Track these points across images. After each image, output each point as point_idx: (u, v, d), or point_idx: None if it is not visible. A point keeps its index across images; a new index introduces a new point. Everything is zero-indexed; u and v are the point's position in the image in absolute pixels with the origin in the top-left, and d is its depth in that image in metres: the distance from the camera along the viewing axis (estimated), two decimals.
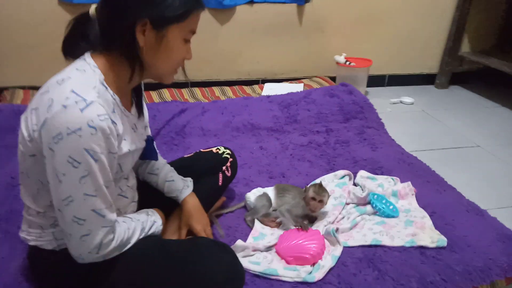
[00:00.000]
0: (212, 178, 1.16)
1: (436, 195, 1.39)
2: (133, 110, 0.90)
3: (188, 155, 1.25)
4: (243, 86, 2.36)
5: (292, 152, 1.72)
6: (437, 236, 1.14)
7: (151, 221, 0.92)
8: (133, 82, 0.83)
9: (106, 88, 0.77)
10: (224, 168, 1.19)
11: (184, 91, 2.22)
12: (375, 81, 2.68)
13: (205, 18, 2.28)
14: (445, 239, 1.13)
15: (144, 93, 0.96)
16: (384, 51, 2.62)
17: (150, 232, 0.91)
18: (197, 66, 2.40)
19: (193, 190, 1.07)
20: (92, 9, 0.79)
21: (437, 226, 1.20)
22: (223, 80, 2.48)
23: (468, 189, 1.48)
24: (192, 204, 1.05)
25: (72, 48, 0.81)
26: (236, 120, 1.87)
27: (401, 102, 2.46)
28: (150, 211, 0.96)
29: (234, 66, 2.48)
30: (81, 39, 0.81)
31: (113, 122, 0.75)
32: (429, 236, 1.14)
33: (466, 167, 1.76)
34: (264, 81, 2.51)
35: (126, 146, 0.82)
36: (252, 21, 2.36)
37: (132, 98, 0.90)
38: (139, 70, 0.80)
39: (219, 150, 1.24)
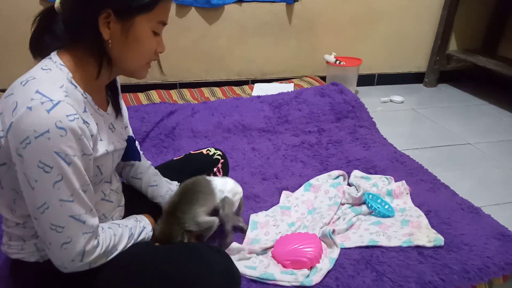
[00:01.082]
0: None
1: (430, 194, 1.38)
2: (109, 109, 0.85)
3: (178, 158, 1.21)
4: (233, 87, 2.33)
5: (284, 152, 1.69)
6: (433, 235, 1.13)
7: (140, 227, 0.88)
8: (103, 78, 0.78)
9: (76, 86, 0.72)
10: (215, 169, 1.16)
11: (173, 92, 2.18)
12: (365, 80, 2.68)
13: (193, 17, 2.26)
14: (442, 238, 1.12)
15: (120, 92, 0.91)
16: (374, 50, 2.62)
17: (139, 239, 0.87)
18: (185, 66, 2.36)
19: None
20: (57, 1, 0.74)
21: (433, 225, 1.19)
22: (212, 81, 2.44)
23: (461, 187, 1.48)
24: None
25: (40, 46, 0.76)
26: (227, 121, 1.84)
27: (391, 101, 2.46)
28: (139, 216, 0.93)
29: (223, 66, 2.45)
30: (47, 35, 0.76)
31: (84, 122, 0.70)
32: (425, 235, 1.13)
33: (458, 165, 1.76)
34: (254, 81, 2.49)
35: (103, 147, 0.78)
36: (241, 20, 2.33)
37: (107, 97, 0.86)
38: (107, 66, 0.75)
39: (210, 151, 1.21)
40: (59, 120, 0.65)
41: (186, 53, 2.33)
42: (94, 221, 0.74)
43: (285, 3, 2.35)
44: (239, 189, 1.10)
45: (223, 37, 2.35)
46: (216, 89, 2.27)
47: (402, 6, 2.52)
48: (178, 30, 2.24)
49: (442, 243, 1.11)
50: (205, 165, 1.16)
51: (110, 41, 0.73)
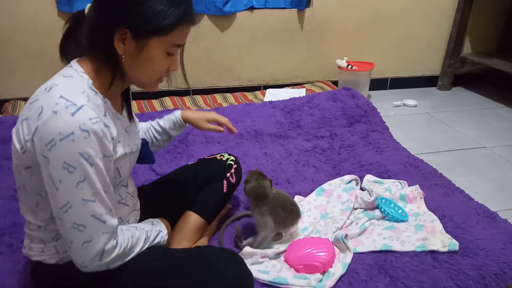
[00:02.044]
0: (217, 186, 1.15)
1: (444, 198, 1.37)
2: (124, 113, 0.89)
3: (192, 163, 1.23)
4: (245, 93, 2.35)
5: (296, 157, 1.70)
6: (448, 240, 1.12)
7: (156, 230, 0.90)
8: (117, 87, 0.81)
9: (96, 92, 0.76)
10: (228, 175, 1.17)
11: (186, 99, 2.21)
12: (378, 84, 2.67)
13: (206, 25, 2.29)
14: (457, 243, 1.11)
15: (131, 98, 0.95)
16: (386, 54, 2.61)
17: (155, 242, 0.89)
18: (198, 74, 2.40)
19: (198, 199, 1.06)
20: (87, 7, 0.78)
21: (447, 230, 1.18)
22: (224, 87, 2.47)
23: (476, 191, 1.46)
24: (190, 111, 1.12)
25: (65, 49, 0.81)
26: (239, 127, 1.86)
27: (404, 105, 2.44)
28: (155, 220, 0.95)
29: (235, 72, 2.47)
30: (72, 40, 0.80)
31: (105, 125, 0.74)
32: (440, 240, 1.12)
33: (473, 169, 1.74)
34: (266, 87, 2.50)
35: (121, 149, 0.81)
36: (253, 27, 2.36)
37: (122, 102, 0.89)
38: (120, 77, 0.79)
39: (223, 156, 1.22)
40: (82, 123, 0.69)
41: (199, 60, 2.36)
42: (114, 221, 0.77)
43: (296, 9, 2.37)
44: None
45: (234, 45, 2.38)
46: (229, 95, 2.30)
47: (410, 9, 2.50)
48: (190, 38, 2.25)
49: (457, 248, 1.10)
50: (218, 170, 1.18)
51: (123, 56, 0.76)
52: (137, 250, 0.83)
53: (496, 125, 2.17)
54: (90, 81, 0.76)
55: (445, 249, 1.09)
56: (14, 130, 0.76)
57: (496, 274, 1.02)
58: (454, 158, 1.83)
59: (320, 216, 1.28)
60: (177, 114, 1.10)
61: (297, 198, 1.38)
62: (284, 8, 2.36)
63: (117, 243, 0.77)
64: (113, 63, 0.76)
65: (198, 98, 2.23)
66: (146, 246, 0.85)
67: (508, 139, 2.00)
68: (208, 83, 2.45)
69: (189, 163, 1.23)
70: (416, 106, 2.42)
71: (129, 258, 0.81)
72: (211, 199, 1.13)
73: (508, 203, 1.48)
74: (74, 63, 0.78)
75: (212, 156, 1.23)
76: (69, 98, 0.70)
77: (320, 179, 1.50)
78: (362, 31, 2.51)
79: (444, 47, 2.64)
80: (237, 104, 2.14)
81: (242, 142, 1.80)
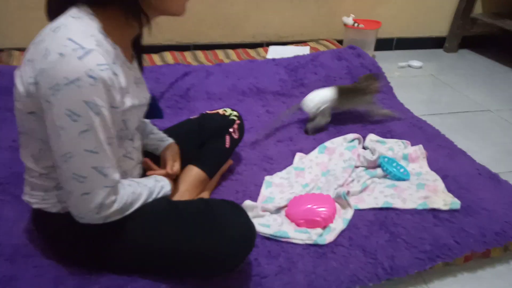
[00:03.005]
0: (219, 140, 1.13)
1: (447, 159, 1.36)
2: (135, 63, 0.84)
3: (194, 117, 1.20)
4: (247, 49, 2.27)
5: (299, 116, 1.67)
6: (450, 199, 1.12)
7: (159, 186, 0.89)
8: (132, 31, 0.77)
9: (106, 36, 0.71)
10: (231, 130, 1.15)
11: (187, 54, 2.14)
12: (383, 44, 2.59)
13: None
14: (459, 202, 1.11)
15: (142, 49, 0.89)
16: (395, 13, 2.51)
17: (158, 197, 0.88)
18: (201, 29, 2.30)
19: (200, 153, 1.04)
20: None
21: (449, 190, 1.18)
22: (226, 43, 2.38)
23: (480, 154, 1.45)
24: (174, 146, 1.03)
25: (58, 9, 0.72)
26: (242, 84, 1.81)
27: (409, 66, 2.38)
28: (159, 177, 0.93)
29: (240, 29, 2.38)
30: None
31: (114, 73, 0.70)
32: (442, 199, 1.12)
33: (478, 132, 1.72)
34: (269, 44, 2.42)
35: (130, 100, 0.77)
36: None
37: (132, 51, 0.84)
38: (135, 19, 0.73)
39: (226, 112, 1.19)
40: (90, 68, 0.64)
41: (202, 17, 2.26)
42: (116, 175, 0.74)
43: None
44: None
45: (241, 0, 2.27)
46: (231, 51, 2.22)
47: None
48: None
49: (459, 207, 1.10)
50: (221, 125, 1.16)
51: None
52: (136, 205, 0.81)
53: (503, 88, 2.12)
54: (101, 25, 0.71)
55: (446, 208, 1.10)
56: (17, 72, 0.72)
57: (496, 232, 1.03)
58: (459, 121, 1.80)
59: (321, 173, 1.27)
60: (164, 144, 1.02)
61: (298, 156, 1.37)
62: None
63: (117, 198, 0.75)
64: (135, 9, 0.71)
65: (199, 53, 2.16)
66: (148, 201, 0.84)
67: None
68: (211, 38, 2.36)
69: (191, 117, 1.20)
70: (421, 67, 2.36)
71: (128, 213, 0.79)
72: (213, 153, 1.11)
73: (509, 165, 1.47)
74: (82, 4, 0.71)
75: (215, 111, 1.20)
76: (77, 40, 0.65)
77: (322, 137, 1.48)
78: None
79: (454, 7, 2.53)
80: (239, 60, 2.08)
81: (244, 99, 1.76)
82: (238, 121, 1.19)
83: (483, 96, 2.03)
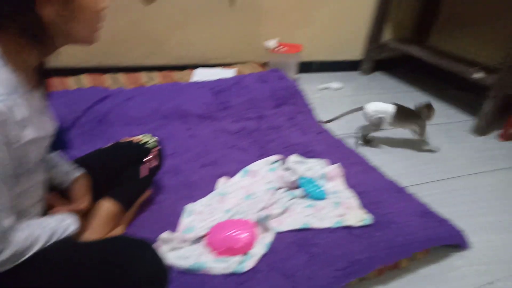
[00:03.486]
0: (134, 171, 1.07)
1: (362, 176, 1.45)
2: (39, 92, 0.78)
3: (106, 147, 1.13)
4: (173, 72, 2.24)
5: (224, 139, 1.67)
6: (363, 215, 1.19)
7: (63, 226, 0.80)
8: (34, 57, 0.71)
9: (3, 62, 0.65)
10: (147, 159, 1.11)
11: (106, 77, 2.05)
12: (305, 67, 2.72)
13: None
14: (371, 218, 1.18)
15: (48, 74, 0.83)
16: (314, 37, 2.66)
17: (62, 238, 0.80)
18: (120, 50, 2.23)
19: (112, 185, 0.98)
20: None
21: (363, 205, 1.25)
22: (150, 65, 2.33)
23: (392, 168, 1.57)
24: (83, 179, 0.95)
25: None
26: (165, 107, 1.77)
27: (329, 87, 2.53)
28: (64, 214, 0.85)
29: (163, 50, 2.34)
30: None
31: (12, 104, 0.63)
32: (355, 215, 1.18)
33: (388, 147, 1.86)
34: (196, 66, 2.41)
35: (31, 133, 0.70)
36: (182, 2, 2.24)
37: (36, 79, 0.77)
38: (40, 46, 0.68)
39: (142, 140, 1.15)
40: None
41: (124, 36, 2.19)
42: (7, 221, 0.66)
43: None
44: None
45: (162, 19, 2.24)
46: (155, 74, 2.17)
47: None
48: (113, 9, 2.10)
49: (371, 223, 1.17)
50: (135, 154, 1.10)
51: (52, 17, 0.66)
52: (33, 250, 0.72)
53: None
54: None
55: (360, 224, 1.16)
56: None
57: (403, 244, 1.11)
58: (374, 137, 1.94)
59: (244, 197, 1.28)
60: (72, 177, 0.95)
61: (223, 180, 1.36)
62: None
63: (5, 246, 0.67)
64: (35, 29, 0.65)
65: (120, 76, 2.08)
66: (49, 243, 0.76)
67: None
68: (132, 60, 2.29)
69: (102, 147, 1.14)
70: (340, 89, 2.53)
71: (23, 259, 0.71)
72: (128, 185, 1.06)
73: (418, 178, 1.61)
74: None
75: (129, 139, 1.15)
76: None
77: (246, 160, 1.49)
78: (294, 11, 2.52)
79: (366, 33, 2.77)
80: (163, 83, 2.04)
81: (167, 123, 1.72)
82: (155, 148, 1.15)
83: None
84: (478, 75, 1.96)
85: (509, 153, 1.91)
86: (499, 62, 2.02)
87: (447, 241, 1.20)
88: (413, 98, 2.50)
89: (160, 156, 1.17)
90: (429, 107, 1.79)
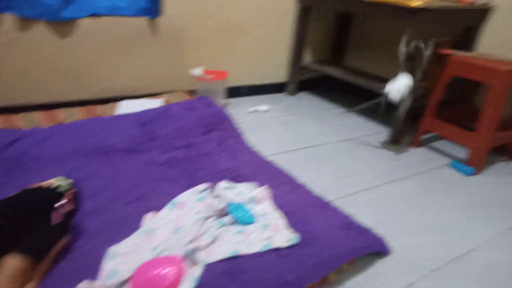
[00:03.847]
0: (44, 218, 1.01)
1: (289, 195, 1.50)
2: None
3: (9, 197, 1.04)
4: (96, 106, 2.16)
5: (151, 172, 1.63)
6: (290, 235, 1.22)
7: None
8: None
9: None
10: (58, 204, 1.04)
11: (19, 117, 1.91)
12: (233, 92, 2.79)
13: (42, 31, 2.03)
14: (298, 237, 1.22)
15: None
16: (240, 62, 2.74)
17: None
18: (35, 87, 2.10)
19: (19, 236, 0.90)
20: None
21: (290, 224, 1.29)
22: (70, 101, 2.23)
23: (318, 184, 1.65)
24: None
25: None
26: (87, 145, 1.69)
27: (258, 110, 2.61)
28: None
29: (84, 84, 2.25)
30: None
31: None
32: (282, 236, 1.21)
33: (316, 163, 1.95)
34: (121, 98, 2.35)
35: None
36: (100, 34, 2.18)
37: None
38: None
39: (53, 183, 1.08)
40: None
41: (36, 72, 2.07)
42: None
43: (148, 17, 2.29)
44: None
45: (80, 54, 2.16)
46: (75, 109, 2.07)
47: (259, 21, 2.69)
48: (25, 46, 1.98)
49: (298, 242, 1.20)
50: (44, 201, 1.03)
51: None
52: None
53: (332, 123, 2.50)
54: None
55: (287, 244, 1.19)
56: None
57: (329, 259, 1.16)
58: (301, 156, 2.02)
59: (173, 230, 1.25)
60: None
61: (150, 215, 1.32)
62: (132, 16, 2.26)
63: None
64: None
65: (36, 115, 1.95)
66: None
67: (341, 135, 2.32)
68: (49, 97, 2.17)
69: (9, 196, 1.05)
70: (268, 111, 2.62)
71: None
72: (38, 234, 0.98)
73: (340, 192, 1.71)
74: None
75: (38, 185, 1.07)
76: None
77: (175, 192, 1.47)
78: (217, 39, 2.59)
79: (289, 57, 2.92)
80: (86, 118, 1.95)
81: (90, 161, 1.64)
82: (69, 192, 1.09)
83: (319, 131, 2.34)
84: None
85: (421, 158, 2.11)
86: None
87: (370, 249, 1.28)
88: (337, 114, 2.67)
89: (76, 198, 1.11)
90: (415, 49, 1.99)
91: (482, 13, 2.18)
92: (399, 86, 1.97)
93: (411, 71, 2.05)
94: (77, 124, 1.84)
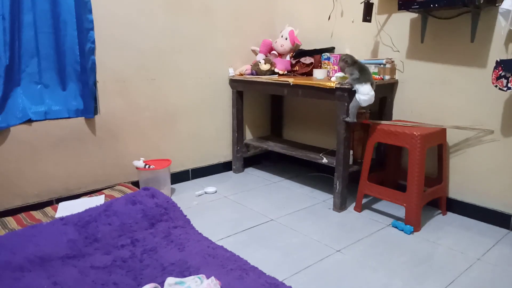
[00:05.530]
0: None
1: (240, 281, 1.47)
2: None
3: None
4: (32, 212, 2.06)
5: (94, 278, 1.54)
6: None
7: None
8: None
9: None
10: None
11: None
12: (180, 177, 2.81)
13: None
14: None
15: None
16: (183, 147, 2.81)
17: None
18: None
19: None
20: None
21: None
22: (4, 210, 2.11)
23: (268, 263, 1.64)
24: None
25: None
26: (18, 258, 1.57)
27: (205, 193, 2.63)
28: None
29: (16, 190, 2.16)
30: None
31: None
32: None
33: (264, 242, 1.96)
34: (59, 200, 2.27)
35: None
36: (34, 139, 2.17)
37: None
38: None
39: None
40: None
41: None
42: None
43: (83, 118, 2.33)
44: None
45: (11, 159, 2.11)
46: (8, 219, 1.96)
47: (197, 107, 2.84)
48: None
49: None
50: None
51: None
52: None
53: (279, 196, 2.56)
54: None
55: None
56: None
57: None
58: (249, 236, 2.03)
59: None
60: None
61: None
62: (69, 117, 2.29)
63: None
64: None
65: None
66: None
67: (289, 208, 2.37)
68: None
69: None
70: (216, 192, 2.64)
71: None
72: None
73: (292, 268, 1.71)
74: None
75: None
76: None
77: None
78: (156, 129, 2.66)
79: (231, 136, 3.05)
80: (21, 228, 1.84)
81: (23, 276, 1.52)
82: None
83: (265, 207, 2.38)
84: (324, 160, 2.29)
85: (365, 221, 2.20)
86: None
87: None
88: (283, 186, 2.75)
89: None
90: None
91: (390, 86, 2.49)
92: (366, 97, 2.16)
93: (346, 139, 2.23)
94: (7, 236, 1.72)
